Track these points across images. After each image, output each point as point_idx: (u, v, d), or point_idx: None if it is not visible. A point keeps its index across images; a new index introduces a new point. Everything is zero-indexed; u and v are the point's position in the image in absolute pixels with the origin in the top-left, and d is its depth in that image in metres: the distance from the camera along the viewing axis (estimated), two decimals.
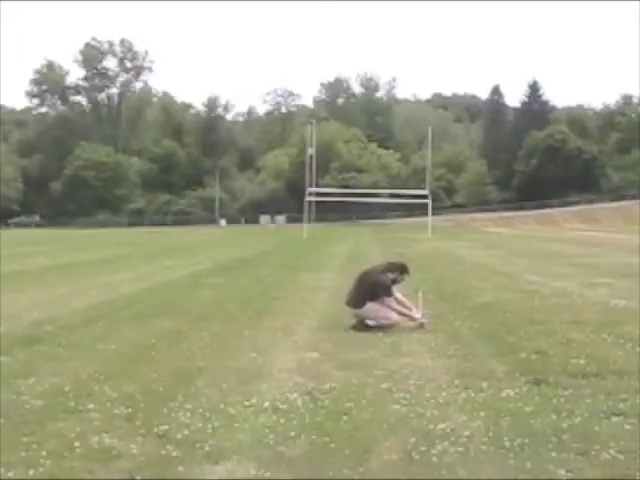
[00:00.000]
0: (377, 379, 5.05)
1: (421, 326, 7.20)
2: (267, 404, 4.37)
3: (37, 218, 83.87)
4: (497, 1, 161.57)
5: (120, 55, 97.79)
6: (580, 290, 10.76)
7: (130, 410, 4.24)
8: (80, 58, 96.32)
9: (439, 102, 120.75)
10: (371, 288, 7.41)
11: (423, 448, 3.58)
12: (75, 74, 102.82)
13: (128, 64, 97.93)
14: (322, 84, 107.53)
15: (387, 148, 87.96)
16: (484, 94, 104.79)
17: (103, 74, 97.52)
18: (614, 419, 4.06)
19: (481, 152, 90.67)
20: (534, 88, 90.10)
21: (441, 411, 4.24)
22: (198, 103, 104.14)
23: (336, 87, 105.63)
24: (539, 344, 6.24)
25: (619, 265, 16.03)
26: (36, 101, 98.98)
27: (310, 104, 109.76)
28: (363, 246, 28.16)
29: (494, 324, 7.48)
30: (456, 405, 4.38)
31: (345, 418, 4.09)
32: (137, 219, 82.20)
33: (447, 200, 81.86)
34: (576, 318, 7.80)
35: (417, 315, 7.33)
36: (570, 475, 3.26)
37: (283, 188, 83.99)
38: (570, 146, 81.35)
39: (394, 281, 7.56)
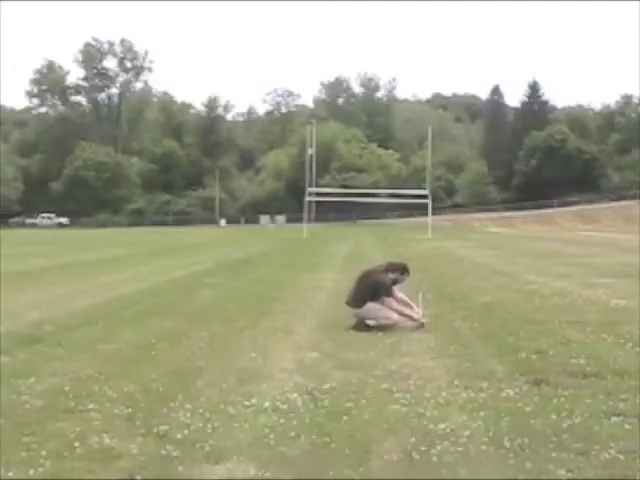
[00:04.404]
0: (377, 379, 5.04)
1: (421, 326, 7.20)
2: (267, 404, 4.36)
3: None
4: (497, 1, 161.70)
5: (120, 55, 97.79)
6: (580, 290, 10.75)
7: (130, 410, 4.24)
8: (80, 58, 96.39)
9: (439, 102, 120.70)
10: (371, 288, 7.40)
11: (423, 448, 3.58)
12: (75, 74, 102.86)
13: (128, 64, 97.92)
14: (322, 84, 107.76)
15: (387, 148, 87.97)
16: (484, 94, 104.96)
17: (103, 74, 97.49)
18: (614, 419, 4.06)
19: (481, 152, 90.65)
20: (534, 88, 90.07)
21: (441, 411, 4.24)
22: (198, 103, 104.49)
23: (336, 87, 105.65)
24: (539, 344, 6.24)
25: (619, 265, 16.03)
26: (36, 101, 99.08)
27: (310, 104, 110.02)
28: (363, 246, 28.16)
29: (494, 324, 7.48)
30: (456, 405, 4.38)
31: (345, 418, 4.09)
32: (137, 219, 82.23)
33: (447, 200, 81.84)
34: (576, 318, 7.79)
35: (418, 315, 7.33)
36: (570, 475, 3.26)
37: (283, 188, 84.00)
38: (570, 146, 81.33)
39: (394, 281, 7.56)
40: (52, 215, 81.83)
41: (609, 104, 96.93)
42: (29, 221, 79.74)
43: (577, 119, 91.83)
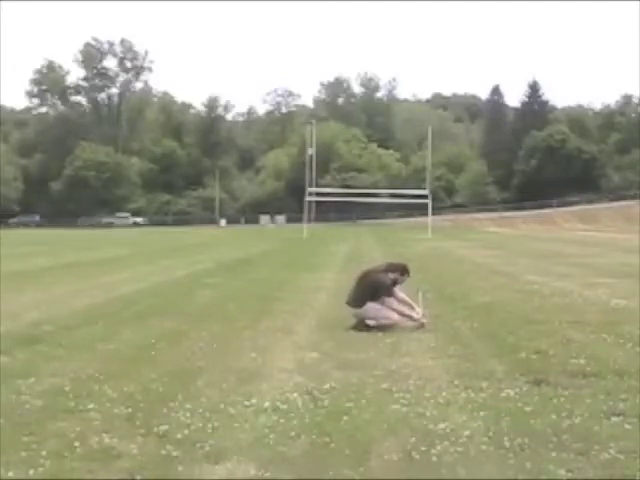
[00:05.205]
0: (377, 379, 5.04)
1: (421, 326, 7.19)
2: (267, 404, 4.36)
3: (37, 218, 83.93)
4: (497, 1, 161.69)
5: (120, 55, 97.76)
6: (580, 290, 10.75)
7: (130, 410, 4.24)
8: (80, 58, 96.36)
9: (439, 102, 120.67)
10: (371, 288, 7.40)
11: (423, 448, 3.58)
12: (75, 74, 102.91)
13: (128, 64, 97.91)
14: (322, 84, 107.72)
15: (387, 148, 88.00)
16: (484, 94, 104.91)
17: (103, 74, 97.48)
18: (614, 419, 4.06)
19: (481, 152, 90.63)
20: (534, 88, 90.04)
21: (441, 411, 4.24)
22: (198, 103, 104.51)
23: (336, 87, 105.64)
24: (539, 344, 6.24)
25: (619, 265, 16.03)
26: (36, 101, 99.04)
27: (310, 104, 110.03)
28: (363, 246, 28.16)
29: (494, 324, 7.48)
30: (456, 405, 4.38)
31: (345, 418, 4.09)
32: (137, 219, 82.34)
33: (447, 200, 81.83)
34: (576, 318, 7.79)
35: (418, 315, 7.32)
36: (570, 475, 3.26)
37: (283, 188, 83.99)
38: (570, 146, 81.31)
39: (395, 282, 7.55)
40: (127, 214, 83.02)
41: (609, 104, 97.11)
42: (105, 220, 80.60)
43: (577, 119, 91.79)
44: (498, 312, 8.36)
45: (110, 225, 78.27)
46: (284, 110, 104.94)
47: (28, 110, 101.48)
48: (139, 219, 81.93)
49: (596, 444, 3.61)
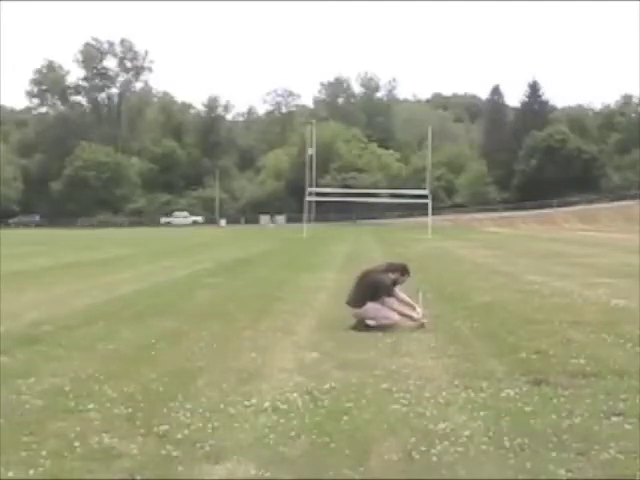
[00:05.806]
0: (377, 379, 5.04)
1: (421, 326, 7.19)
2: (267, 404, 4.36)
3: (37, 218, 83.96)
4: (497, 1, 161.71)
5: (120, 55, 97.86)
6: (580, 290, 10.75)
7: (130, 410, 4.24)
8: (80, 58, 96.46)
9: (439, 102, 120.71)
10: (372, 288, 7.40)
11: (423, 448, 3.58)
12: (75, 74, 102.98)
13: (128, 64, 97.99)
14: (322, 84, 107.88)
15: (387, 148, 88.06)
16: (484, 94, 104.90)
17: (103, 74, 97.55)
18: (614, 419, 4.06)
19: (481, 152, 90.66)
20: (534, 88, 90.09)
21: (441, 411, 4.24)
22: (198, 103, 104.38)
23: (336, 87, 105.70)
24: (539, 344, 6.24)
25: (619, 265, 16.03)
26: (36, 101, 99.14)
27: (310, 104, 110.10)
28: (363, 246, 28.15)
29: (494, 324, 7.47)
30: (456, 405, 4.37)
31: (345, 418, 4.09)
32: (137, 219, 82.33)
33: (447, 200, 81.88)
34: (576, 318, 7.79)
35: (418, 315, 7.32)
36: (570, 475, 3.26)
37: (283, 188, 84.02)
38: (570, 146, 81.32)
39: (395, 282, 7.55)
40: (186, 213, 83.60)
41: (609, 104, 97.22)
42: (164, 220, 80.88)
43: (577, 119, 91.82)
44: (498, 312, 8.36)
45: (168, 225, 78.32)
46: (284, 110, 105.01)
47: (28, 110, 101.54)
48: (199, 218, 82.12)
49: (596, 444, 3.61)
